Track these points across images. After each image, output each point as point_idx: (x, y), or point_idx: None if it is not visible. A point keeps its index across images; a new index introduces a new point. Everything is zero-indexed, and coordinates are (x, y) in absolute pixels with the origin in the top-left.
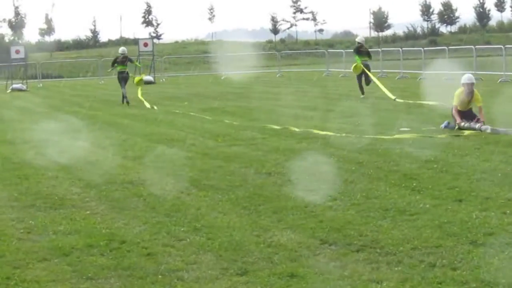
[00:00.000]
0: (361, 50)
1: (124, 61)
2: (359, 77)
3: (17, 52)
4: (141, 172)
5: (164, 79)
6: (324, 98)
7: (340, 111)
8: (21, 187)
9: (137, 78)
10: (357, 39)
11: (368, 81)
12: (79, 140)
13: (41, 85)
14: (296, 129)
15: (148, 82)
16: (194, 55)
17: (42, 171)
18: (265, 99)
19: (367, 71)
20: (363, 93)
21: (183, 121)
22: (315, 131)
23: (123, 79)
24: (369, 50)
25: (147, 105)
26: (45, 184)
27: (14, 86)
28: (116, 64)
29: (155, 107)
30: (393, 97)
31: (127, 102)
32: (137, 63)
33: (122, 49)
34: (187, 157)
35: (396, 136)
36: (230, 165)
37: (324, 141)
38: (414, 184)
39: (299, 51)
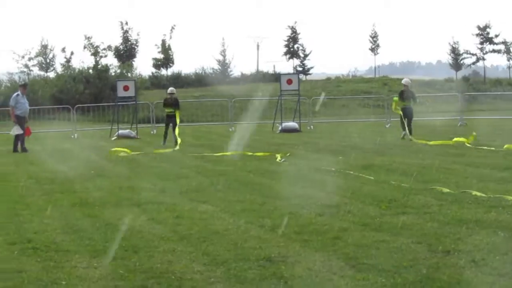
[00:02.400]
0: (404, 95)
1: (173, 103)
2: (401, 119)
3: (126, 88)
4: (281, 246)
5: (312, 126)
6: None
7: None
8: (128, 263)
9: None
10: (402, 81)
11: (409, 128)
12: (202, 203)
13: (154, 131)
14: (483, 195)
15: (291, 130)
16: (351, 96)
17: (155, 243)
18: (442, 154)
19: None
20: (403, 134)
21: (336, 181)
22: (508, 198)
23: (170, 123)
24: (414, 93)
25: (278, 158)
26: (159, 259)
27: (121, 132)
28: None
29: (283, 159)
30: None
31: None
32: (178, 116)
33: (170, 89)
34: (341, 228)
35: None
36: (396, 239)
37: None
38: None
39: (487, 93)
